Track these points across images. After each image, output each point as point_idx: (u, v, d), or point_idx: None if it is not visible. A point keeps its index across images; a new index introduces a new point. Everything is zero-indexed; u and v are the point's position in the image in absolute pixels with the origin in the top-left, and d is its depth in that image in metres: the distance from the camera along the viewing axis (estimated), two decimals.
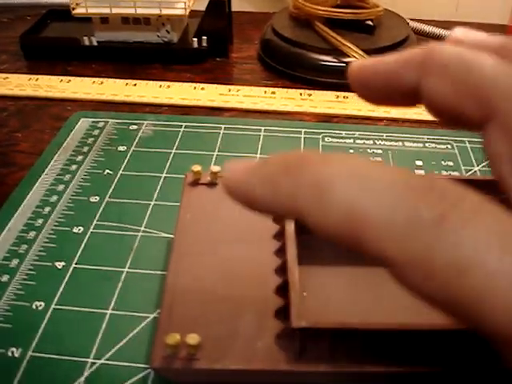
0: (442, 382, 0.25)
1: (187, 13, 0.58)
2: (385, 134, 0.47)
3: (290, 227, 0.29)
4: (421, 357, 0.25)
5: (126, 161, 0.43)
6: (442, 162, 0.44)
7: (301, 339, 0.24)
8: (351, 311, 0.28)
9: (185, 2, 0.57)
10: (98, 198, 0.40)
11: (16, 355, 0.29)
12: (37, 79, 0.56)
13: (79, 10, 0.58)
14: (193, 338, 0.24)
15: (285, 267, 0.27)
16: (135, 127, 0.47)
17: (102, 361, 0.29)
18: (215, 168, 0.34)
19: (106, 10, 0.58)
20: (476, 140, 0.47)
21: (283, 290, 0.27)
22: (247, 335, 0.25)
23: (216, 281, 0.28)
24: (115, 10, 0.58)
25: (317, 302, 0.29)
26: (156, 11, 0.57)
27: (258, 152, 0.45)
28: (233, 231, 0.31)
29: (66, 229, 0.37)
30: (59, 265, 0.34)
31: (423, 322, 0.24)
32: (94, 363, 0.29)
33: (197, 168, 0.34)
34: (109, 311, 0.31)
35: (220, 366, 0.24)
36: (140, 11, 0.57)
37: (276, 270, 0.29)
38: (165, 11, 0.57)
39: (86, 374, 0.28)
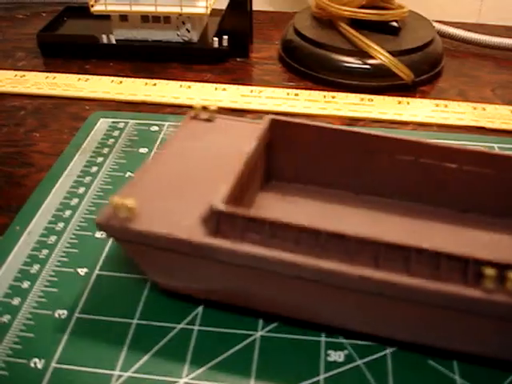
0: None
1: (208, 11, 0.56)
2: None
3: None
4: None
5: None
6: None
7: (217, 220, 0.27)
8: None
9: (206, 1, 0.56)
10: None
11: (39, 366, 0.28)
12: (54, 77, 0.54)
13: (98, 7, 0.57)
14: (130, 202, 0.28)
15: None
16: (156, 128, 0.46)
17: (129, 373, 0.28)
18: (212, 107, 0.37)
19: (126, 8, 0.56)
20: (506, 146, 0.45)
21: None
22: (179, 213, 0.29)
23: (173, 180, 0.31)
24: (135, 8, 0.56)
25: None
26: (177, 9, 0.56)
27: None
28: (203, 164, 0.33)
29: (88, 233, 0.36)
30: (82, 271, 0.33)
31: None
32: (120, 376, 0.27)
33: (198, 105, 0.37)
34: (134, 321, 0.30)
35: (147, 228, 0.28)
36: (160, 9, 0.56)
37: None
38: (186, 10, 0.56)
39: None
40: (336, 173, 0.36)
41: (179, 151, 0.34)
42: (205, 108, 0.37)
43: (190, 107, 0.49)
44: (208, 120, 0.37)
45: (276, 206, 0.36)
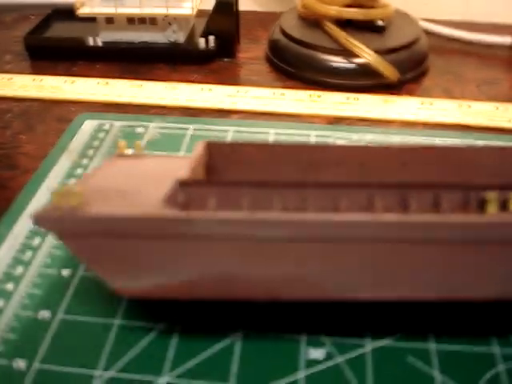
0: None
1: (194, 12, 0.56)
2: (397, 137, 0.46)
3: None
4: None
5: None
6: None
7: (186, 195, 0.25)
8: None
9: (192, 2, 0.56)
10: None
11: (22, 367, 0.28)
12: (41, 80, 0.55)
13: (84, 10, 0.57)
14: (77, 189, 0.25)
15: None
16: (142, 130, 0.46)
17: (112, 372, 0.28)
18: (139, 143, 0.35)
19: (112, 10, 0.57)
20: (490, 143, 0.46)
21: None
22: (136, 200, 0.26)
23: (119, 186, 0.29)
24: (120, 10, 0.57)
25: None
26: (162, 11, 0.56)
27: None
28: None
29: None
30: (65, 273, 0.33)
31: None
32: (102, 375, 0.28)
33: (122, 143, 0.35)
34: (117, 321, 0.30)
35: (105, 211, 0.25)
36: (146, 11, 0.56)
37: None
38: (171, 11, 0.56)
39: None
40: None
41: (113, 171, 0.32)
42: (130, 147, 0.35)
43: (176, 108, 0.50)
44: (138, 156, 0.35)
45: None
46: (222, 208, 0.25)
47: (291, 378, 0.28)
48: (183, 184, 0.25)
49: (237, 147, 0.34)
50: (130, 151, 0.43)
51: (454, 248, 0.25)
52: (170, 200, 0.25)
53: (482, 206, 0.25)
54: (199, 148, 0.32)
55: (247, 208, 0.25)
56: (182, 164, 0.29)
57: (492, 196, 0.25)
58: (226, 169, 0.34)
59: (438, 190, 0.25)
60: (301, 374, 0.28)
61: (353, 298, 0.27)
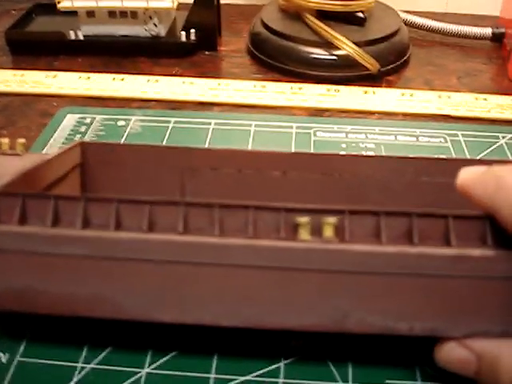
0: None
1: (175, 6, 0.57)
2: (377, 128, 0.47)
3: None
4: None
5: None
6: (436, 156, 0.43)
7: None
8: None
9: None
10: None
11: (3, 360, 0.28)
12: (22, 75, 0.54)
13: (65, 4, 0.57)
14: None
15: None
16: (123, 123, 0.47)
17: (92, 365, 0.28)
18: (21, 140, 0.34)
19: (92, 3, 0.57)
20: (469, 133, 0.46)
21: None
22: None
23: None
24: (101, 3, 0.56)
25: None
26: (143, 4, 0.56)
27: (249, 147, 0.44)
28: None
29: None
30: None
31: None
32: (83, 368, 0.28)
33: (5, 140, 0.34)
34: None
35: None
36: (127, 4, 0.56)
37: None
38: (152, 4, 0.56)
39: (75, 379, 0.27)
40: (160, 192, 0.35)
41: None
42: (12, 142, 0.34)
43: (158, 101, 0.50)
44: (15, 154, 0.34)
45: None
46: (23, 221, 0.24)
47: None
48: None
49: (111, 148, 0.35)
50: None
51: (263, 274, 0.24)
52: None
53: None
54: (70, 148, 0.33)
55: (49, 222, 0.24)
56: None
57: (304, 220, 0.23)
58: (99, 170, 0.35)
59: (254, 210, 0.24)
60: None
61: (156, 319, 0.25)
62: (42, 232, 0.24)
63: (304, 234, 0.23)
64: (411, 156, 0.35)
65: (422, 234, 0.24)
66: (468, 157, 0.43)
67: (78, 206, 0.24)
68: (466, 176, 0.25)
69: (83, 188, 0.35)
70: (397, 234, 0.24)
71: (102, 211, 0.24)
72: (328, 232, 0.23)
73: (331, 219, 0.23)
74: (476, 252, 0.23)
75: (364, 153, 0.43)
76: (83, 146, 0.34)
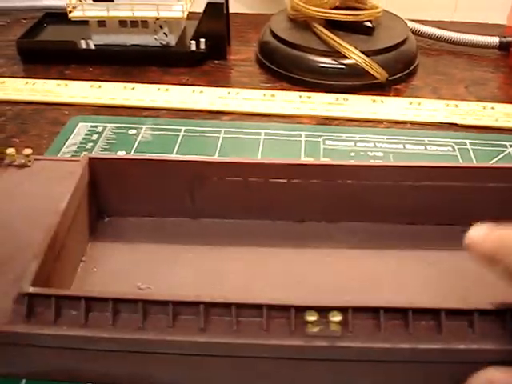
0: None
1: (185, 15, 0.57)
2: (385, 137, 0.47)
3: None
4: None
5: None
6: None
7: (28, 304, 0.26)
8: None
9: (182, 5, 0.57)
10: None
11: None
12: (34, 83, 0.55)
13: (76, 13, 0.58)
14: None
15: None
16: (134, 131, 0.47)
17: None
18: (27, 151, 0.35)
19: (104, 13, 0.57)
20: (477, 142, 0.47)
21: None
22: None
23: None
24: (112, 13, 0.57)
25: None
26: (154, 14, 0.57)
27: (259, 156, 0.44)
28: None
29: None
30: None
31: None
32: None
33: (10, 151, 0.35)
34: None
35: None
36: (138, 14, 0.57)
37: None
38: (162, 14, 0.57)
39: None
40: (170, 201, 0.36)
41: None
42: (18, 151, 0.35)
43: (168, 110, 0.51)
44: (24, 165, 0.35)
45: (110, 251, 0.35)
46: (63, 316, 0.26)
47: None
48: (24, 295, 0.26)
49: (119, 162, 0.35)
50: (122, 153, 0.44)
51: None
52: (16, 305, 0.26)
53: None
54: (82, 164, 0.34)
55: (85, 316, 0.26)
56: (64, 184, 0.32)
57: (312, 318, 0.25)
58: (111, 184, 0.36)
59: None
60: None
61: None
62: (74, 333, 0.26)
63: (312, 327, 0.25)
64: (411, 164, 0.35)
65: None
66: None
67: (107, 305, 0.26)
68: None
69: (95, 202, 0.36)
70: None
71: (128, 310, 0.26)
72: (334, 326, 0.25)
73: (337, 318, 0.25)
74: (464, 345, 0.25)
75: (372, 161, 0.44)
76: (91, 161, 0.35)
